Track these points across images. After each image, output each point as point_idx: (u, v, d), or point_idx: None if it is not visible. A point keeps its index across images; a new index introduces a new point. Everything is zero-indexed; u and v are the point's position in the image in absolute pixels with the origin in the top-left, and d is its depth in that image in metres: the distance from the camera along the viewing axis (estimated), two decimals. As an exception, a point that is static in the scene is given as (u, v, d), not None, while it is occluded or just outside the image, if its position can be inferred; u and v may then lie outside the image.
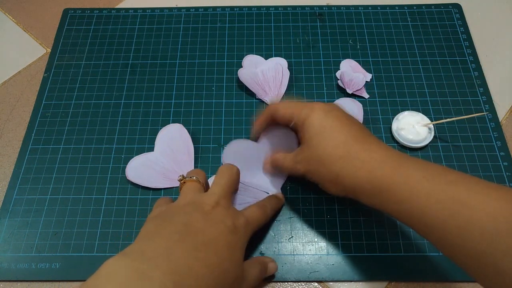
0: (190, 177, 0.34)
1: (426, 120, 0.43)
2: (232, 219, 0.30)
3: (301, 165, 0.34)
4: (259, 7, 0.53)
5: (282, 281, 0.36)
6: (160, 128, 0.44)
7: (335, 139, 0.31)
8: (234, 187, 0.34)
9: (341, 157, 0.30)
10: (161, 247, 0.26)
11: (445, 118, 0.42)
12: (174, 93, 0.47)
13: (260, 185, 0.40)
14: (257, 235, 0.37)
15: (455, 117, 0.41)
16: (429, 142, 0.42)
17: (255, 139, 0.41)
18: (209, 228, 0.29)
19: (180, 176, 0.34)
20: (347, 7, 0.53)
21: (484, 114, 0.44)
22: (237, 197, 0.39)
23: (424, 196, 0.26)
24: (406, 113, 0.43)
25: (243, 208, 0.35)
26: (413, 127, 0.42)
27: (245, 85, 0.46)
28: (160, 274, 0.24)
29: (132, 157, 0.42)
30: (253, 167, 0.40)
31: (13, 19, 0.54)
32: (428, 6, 0.53)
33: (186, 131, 0.43)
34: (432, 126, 0.42)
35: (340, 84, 0.46)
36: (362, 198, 0.31)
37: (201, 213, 0.29)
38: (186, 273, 0.25)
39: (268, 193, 0.40)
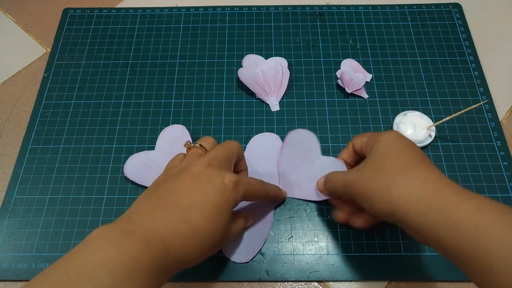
0: (195, 144, 0.34)
1: (431, 125, 0.42)
2: (221, 178, 0.29)
3: (352, 174, 0.32)
4: (259, 7, 0.53)
5: (282, 281, 0.36)
6: (161, 128, 0.44)
7: (401, 154, 0.29)
8: (232, 154, 0.33)
9: (404, 168, 0.28)
10: (145, 211, 0.28)
11: (445, 118, 0.42)
12: (174, 93, 0.47)
13: None
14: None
15: (454, 113, 0.41)
16: (429, 143, 0.42)
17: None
18: (195, 189, 0.29)
19: (187, 142, 0.34)
20: (347, 6, 0.53)
21: (481, 104, 0.43)
22: (241, 204, 0.39)
23: (497, 241, 0.23)
24: (417, 113, 0.43)
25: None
26: (414, 126, 0.42)
27: (245, 85, 0.46)
28: (144, 231, 0.26)
29: (132, 156, 0.42)
30: (251, 174, 0.40)
31: (13, 19, 0.54)
32: (428, 5, 0.53)
33: (188, 133, 0.43)
34: (434, 131, 0.42)
35: (340, 84, 0.46)
36: (408, 220, 0.27)
37: (190, 175, 0.30)
38: (169, 231, 0.26)
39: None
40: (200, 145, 0.33)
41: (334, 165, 0.40)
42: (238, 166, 0.36)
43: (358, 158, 0.38)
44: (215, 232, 0.28)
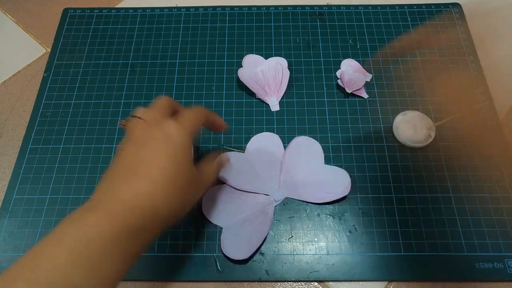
0: (128, 118, 0.33)
1: (431, 125, 0.42)
2: (160, 130, 0.30)
3: None
4: (259, 7, 0.53)
5: (282, 281, 0.36)
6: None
7: None
8: (163, 107, 0.33)
9: None
10: (104, 187, 0.28)
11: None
12: (174, 93, 0.47)
13: (255, 188, 0.40)
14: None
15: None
16: (429, 143, 0.42)
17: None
18: (142, 150, 0.29)
19: (120, 120, 0.35)
20: (347, 6, 0.53)
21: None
22: (237, 202, 0.39)
23: None
24: (417, 113, 0.43)
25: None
26: (415, 126, 0.42)
27: (245, 85, 0.46)
28: (106, 204, 0.26)
29: (132, 157, 0.42)
30: (245, 174, 0.41)
31: (13, 19, 0.54)
32: (428, 5, 0.53)
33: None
34: (434, 131, 0.42)
35: (340, 83, 0.46)
36: None
37: (134, 142, 0.30)
38: (131, 193, 0.27)
39: (268, 195, 0.40)
40: (133, 116, 0.33)
41: (336, 173, 0.41)
42: (178, 114, 0.35)
43: None
44: (178, 178, 0.29)
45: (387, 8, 0.53)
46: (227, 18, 0.52)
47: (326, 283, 0.36)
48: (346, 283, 0.36)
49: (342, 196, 0.39)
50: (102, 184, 0.29)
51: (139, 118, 0.32)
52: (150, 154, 0.29)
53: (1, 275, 0.23)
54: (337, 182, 0.40)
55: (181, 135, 0.30)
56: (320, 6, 0.53)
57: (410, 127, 0.42)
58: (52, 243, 0.24)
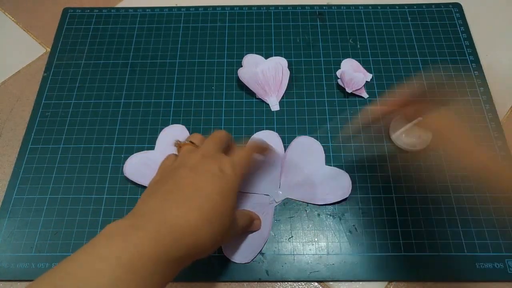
0: (185, 142, 0.34)
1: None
2: (218, 165, 0.31)
3: None
4: (259, 7, 0.53)
5: (282, 281, 0.36)
6: (160, 128, 0.44)
7: None
8: (221, 143, 0.34)
9: None
10: (154, 205, 0.28)
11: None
12: (174, 92, 0.47)
13: (255, 189, 0.40)
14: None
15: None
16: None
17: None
18: (196, 180, 0.29)
19: (177, 141, 0.35)
20: (347, 6, 0.53)
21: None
22: (242, 205, 0.39)
23: None
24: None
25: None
26: (408, 131, 0.41)
27: (245, 85, 0.46)
28: (154, 224, 0.26)
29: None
30: (250, 177, 0.41)
31: (13, 19, 0.54)
32: (428, 5, 0.53)
33: (187, 132, 0.43)
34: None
35: (340, 83, 0.46)
36: None
37: (187, 168, 0.30)
38: (180, 221, 0.27)
39: (268, 195, 0.40)
40: (190, 141, 0.34)
41: (336, 175, 0.40)
42: (230, 150, 0.36)
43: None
44: (224, 217, 0.29)
45: (387, 8, 0.53)
46: (227, 18, 0.52)
47: (326, 283, 0.36)
48: (346, 283, 0.36)
49: (342, 198, 0.39)
50: (152, 199, 0.29)
51: (195, 145, 0.33)
52: (205, 186, 0.29)
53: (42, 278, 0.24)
54: (338, 184, 0.40)
55: (235, 174, 0.31)
56: (320, 6, 0.53)
57: (404, 131, 0.42)
58: (96, 257, 0.24)
